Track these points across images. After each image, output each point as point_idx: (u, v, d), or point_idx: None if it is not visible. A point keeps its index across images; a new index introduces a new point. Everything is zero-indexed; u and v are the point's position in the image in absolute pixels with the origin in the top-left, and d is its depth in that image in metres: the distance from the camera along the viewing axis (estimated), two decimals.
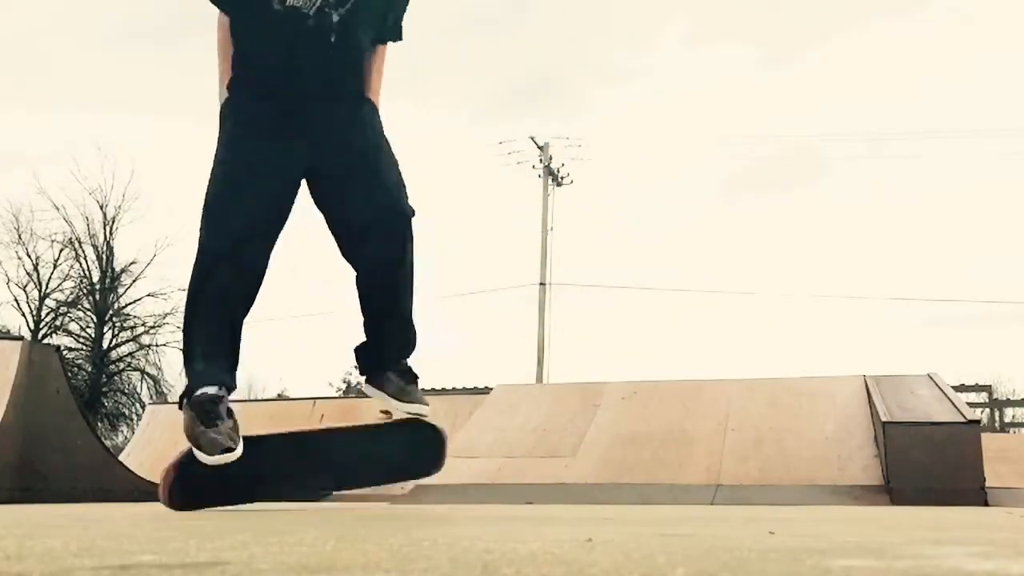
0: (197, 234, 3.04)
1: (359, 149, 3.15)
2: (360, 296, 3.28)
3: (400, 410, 3.30)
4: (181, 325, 3.14)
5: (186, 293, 3.09)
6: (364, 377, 3.40)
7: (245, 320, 3.12)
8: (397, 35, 3.33)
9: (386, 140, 3.27)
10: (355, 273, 3.25)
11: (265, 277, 3.13)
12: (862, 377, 6.44)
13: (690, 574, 1.01)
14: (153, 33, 41.24)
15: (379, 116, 3.28)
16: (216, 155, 3.08)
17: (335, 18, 3.01)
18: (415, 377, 3.39)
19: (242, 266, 3.03)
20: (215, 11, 3.14)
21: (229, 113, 3.10)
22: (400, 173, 3.23)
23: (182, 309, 3.13)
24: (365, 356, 3.38)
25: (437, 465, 3.57)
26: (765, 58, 46.71)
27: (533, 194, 28.93)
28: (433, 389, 14.88)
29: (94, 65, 42.26)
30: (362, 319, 3.33)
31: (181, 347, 3.15)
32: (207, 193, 3.04)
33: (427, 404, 3.38)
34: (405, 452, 3.51)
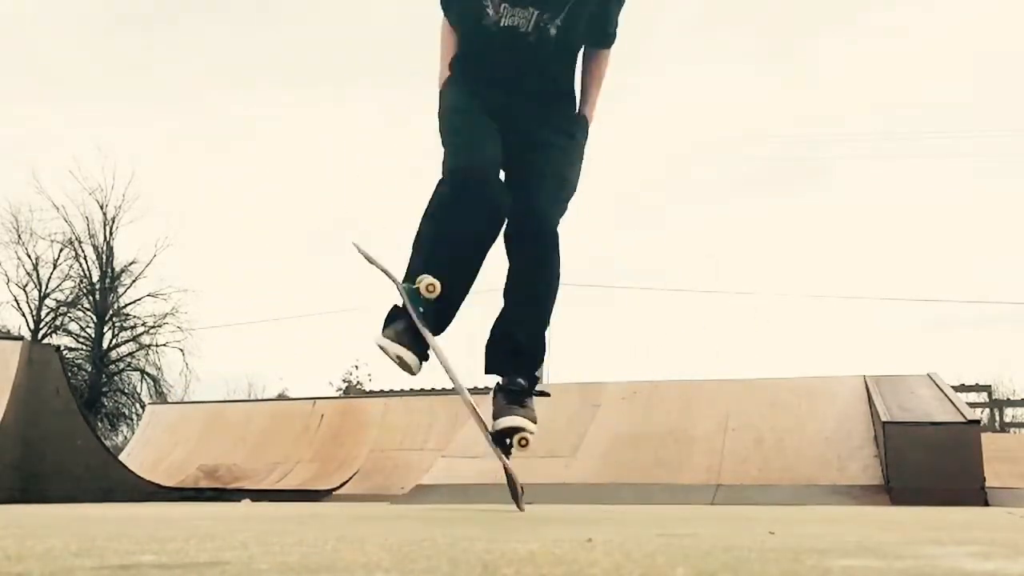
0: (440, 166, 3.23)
1: (541, 146, 3.28)
2: (503, 292, 3.33)
3: (498, 427, 3.23)
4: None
5: (426, 214, 3.20)
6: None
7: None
8: (613, 38, 3.39)
9: (575, 152, 3.35)
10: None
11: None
12: (862, 377, 6.44)
13: (690, 574, 1.01)
14: (158, 32, 41.27)
15: (584, 130, 3.38)
16: (441, 114, 3.32)
17: (553, 31, 3.19)
18: (523, 393, 3.24)
19: (486, 189, 3.17)
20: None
21: (446, 93, 3.35)
22: (566, 189, 3.29)
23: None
24: (487, 355, 3.36)
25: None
26: (765, 59, 46.72)
27: None
28: (433, 389, 14.86)
29: (94, 67, 42.30)
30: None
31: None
32: (443, 134, 3.28)
33: (524, 418, 3.21)
34: None
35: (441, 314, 3.20)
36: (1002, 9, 40.06)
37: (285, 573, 1.00)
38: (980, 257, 44.94)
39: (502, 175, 3.29)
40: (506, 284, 3.31)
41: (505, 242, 3.26)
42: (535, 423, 3.20)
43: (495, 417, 3.21)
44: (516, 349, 3.28)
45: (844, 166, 43.34)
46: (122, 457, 7.71)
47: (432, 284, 3.07)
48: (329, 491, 7.11)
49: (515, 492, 3.33)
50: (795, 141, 47.77)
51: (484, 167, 3.17)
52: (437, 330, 3.20)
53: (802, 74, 44.41)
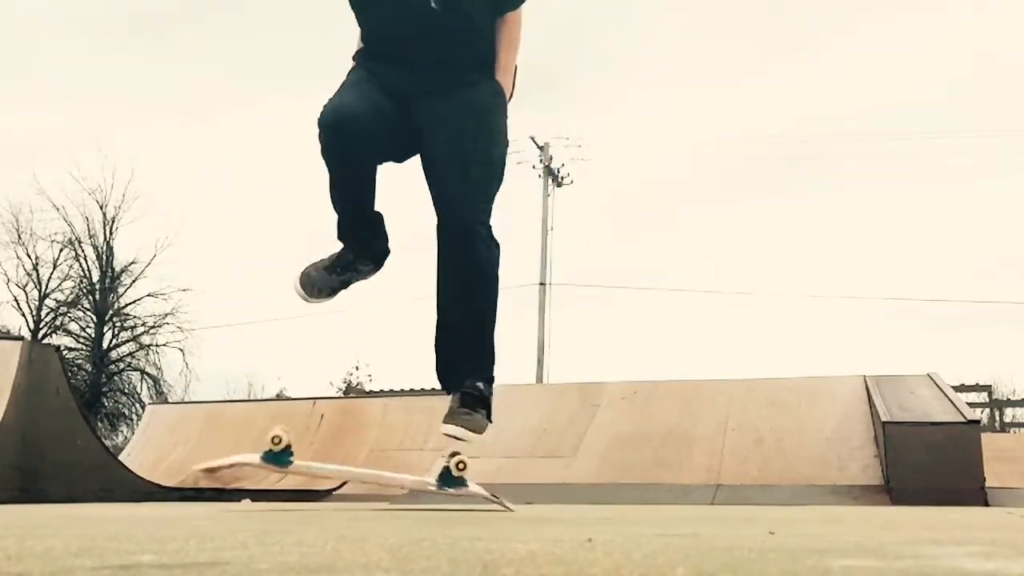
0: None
1: (454, 130, 3.08)
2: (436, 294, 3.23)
3: (442, 431, 3.13)
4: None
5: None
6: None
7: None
8: (510, 2, 3.19)
9: (491, 127, 3.15)
10: None
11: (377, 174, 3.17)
12: (862, 377, 6.44)
13: (690, 574, 1.01)
14: (156, 29, 41.25)
15: (500, 97, 3.18)
16: None
17: None
18: (476, 400, 3.11)
19: (339, 132, 3.03)
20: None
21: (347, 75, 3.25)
22: (488, 173, 3.11)
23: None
24: (437, 372, 3.27)
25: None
26: (765, 59, 46.73)
27: (533, 194, 28.94)
28: (434, 390, 14.86)
29: (94, 67, 42.28)
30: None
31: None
32: None
33: (473, 430, 3.07)
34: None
35: (370, 247, 3.26)
36: (1002, 9, 40.06)
37: (285, 573, 1.00)
38: (980, 257, 44.96)
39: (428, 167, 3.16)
40: (437, 285, 3.17)
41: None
42: (479, 432, 3.08)
43: (443, 420, 3.12)
44: (460, 357, 3.18)
45: (844, 166, 43.35)
46: (122, 457, 7.70)
47: (277, 436, 3.25)
48: (329, 491, 7.11)
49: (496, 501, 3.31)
50: (795, 141, 47.78)
51: (340, 115, 3.01)
52: (378, 261, 3.27)
53: (802, 74, 44.40)
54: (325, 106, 3.04)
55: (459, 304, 3.16)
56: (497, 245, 3.13)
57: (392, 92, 3.10)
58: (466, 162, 3.06)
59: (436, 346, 3.23)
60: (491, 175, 3.13)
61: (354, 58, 3.26)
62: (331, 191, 3.16)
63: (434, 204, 3.11)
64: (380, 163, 3.16)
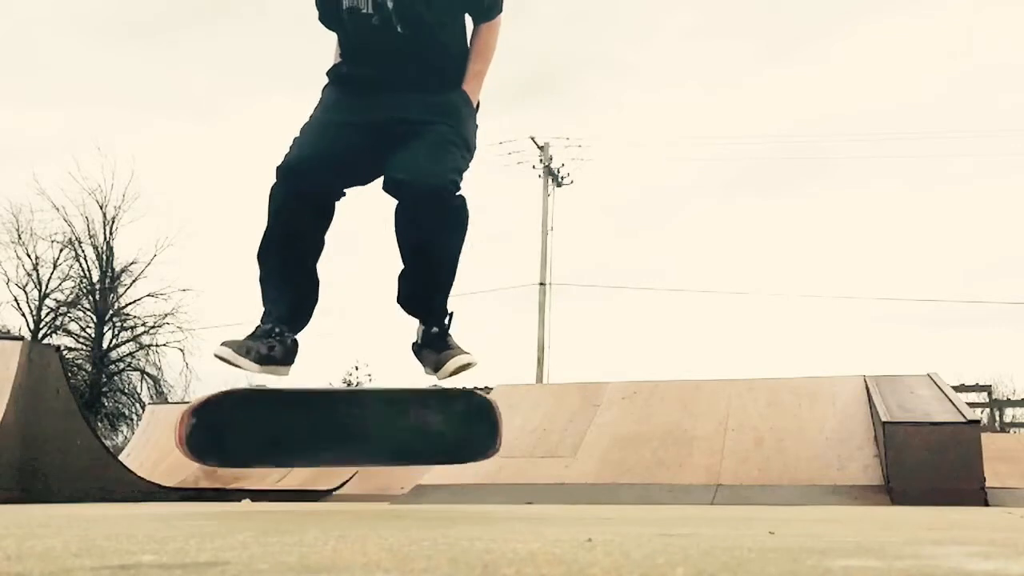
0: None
1: (419, 120, 3.11)
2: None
3: (442, 380, 3.23)
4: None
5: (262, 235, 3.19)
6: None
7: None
8: (493, 11, 3.25)
9: (461, 128, 3.16)
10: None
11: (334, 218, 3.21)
12: (862, 377, 6.44)
13: (690, 574, 1.01)
14: (155, 31, 41.25)
15: (469, 106, 3.22)
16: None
17: (391, 5, 3.05)
18: (444, 333, 3.26)
19: (303, 186, 3.09)
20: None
21: (321, 93, 3.28)
22: (458, 158, 3.12)
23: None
24: (401, 302, 3.35)
25: (493, 446, 3.30)
26: (764, 57, 46.72)
27: (533, 194, 28.89)
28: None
29: (93, 63, 42.27)
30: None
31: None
32: None
33: (465, 352, 3.20)
34: (455, 425, 3.30)
35: (295, 317, 3.21)
36: (1001, 9, 40.08)
37: (285, 573, 1.00)
38: (980, 257, 44.98)
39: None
40: (398, 243, 3.21)
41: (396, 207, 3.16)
42: (469, 354, 3.21)
43: (436, 369, 3.22)
44: (425, 306, 3.29)
45: (844, 166, 43.36)
46: (122, 457, 7.71)
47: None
48: (329, 491, 7.11)
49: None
50: (795, 141, 47.78)
51: (302, 162, 3.07)
52: (295, 327, 3.22)
53: (802, 74, 44.40)
54: (285, 155, 3.10)
55: (426, 263, 3.23)
56: (463, 203, 3.13)
57: (361, 110, 3.13)
58: (433, 139, 3.08)
59: (401, 284, 3.29)
60: (457, 156, 3.12)
61: (328, 73, 3.28)
62: (266, 245, 3.16)
63: (394, 175, 3.06)
64: (340, 190, 3.20)
